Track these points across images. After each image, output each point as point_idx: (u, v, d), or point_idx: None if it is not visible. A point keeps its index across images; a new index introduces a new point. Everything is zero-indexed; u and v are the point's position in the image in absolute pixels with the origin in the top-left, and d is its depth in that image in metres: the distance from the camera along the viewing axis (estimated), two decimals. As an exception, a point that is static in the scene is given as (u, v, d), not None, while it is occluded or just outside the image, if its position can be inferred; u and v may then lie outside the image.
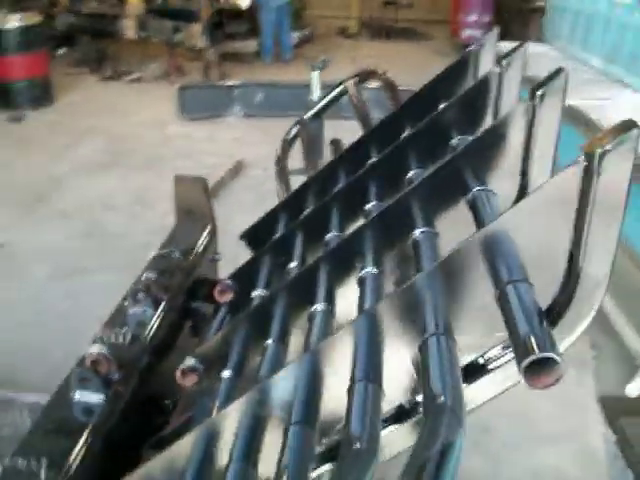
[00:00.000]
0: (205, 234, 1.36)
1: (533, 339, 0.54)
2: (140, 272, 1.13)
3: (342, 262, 0.94)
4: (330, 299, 0.93)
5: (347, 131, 1.61)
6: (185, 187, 1.43)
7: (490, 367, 0.70)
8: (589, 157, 0.59)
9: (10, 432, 0.80)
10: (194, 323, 1.21)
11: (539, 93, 0.80)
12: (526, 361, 0.52)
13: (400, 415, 0.74)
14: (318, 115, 1.82)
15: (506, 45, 1.21)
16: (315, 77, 3.49)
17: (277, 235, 1.22)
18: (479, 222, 0.79)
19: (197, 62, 7.66)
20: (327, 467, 0.75)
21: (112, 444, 0.84)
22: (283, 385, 0.72)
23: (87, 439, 0.79)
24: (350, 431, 0.60)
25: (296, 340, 0.94)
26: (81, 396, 0.81)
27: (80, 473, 0.75)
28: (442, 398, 0.56)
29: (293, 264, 1.11)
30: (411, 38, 10.37)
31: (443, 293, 0.68)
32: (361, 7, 11.04)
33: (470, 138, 0.96)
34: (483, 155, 0.87)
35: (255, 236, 1.29)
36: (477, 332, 0.68)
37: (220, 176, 4.45)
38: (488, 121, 1.04)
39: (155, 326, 1.03)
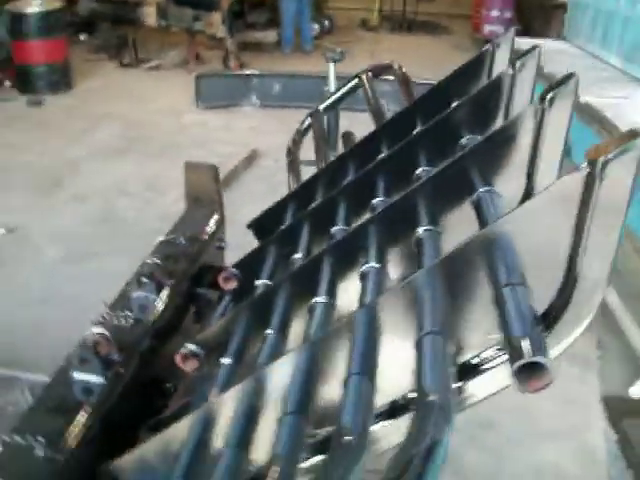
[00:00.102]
0: (213, 221, 1.37)
1: (525, 343, 0.54)
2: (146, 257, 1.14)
3: (345, 256, 0.94)
4: (332, 292, 0.93)
5: (361, 123, 1.61)
6: (195, 174, 1.43)
7: (484, 368, 0.70)
8: (592, 164, 0.59)
9: (12, 411, 0.81)
10: (198, 309, 1.22)
11: (549, 97, 0.80)
12: (516, 364, 0.52)
13: (393, 410, 0.74)
14: (331, 107, 1.81)
15: (525, 41, 1.20)
16: (331, 69, 3.48)
17: (284, 226, 1.22)
18: (482, 223, 0.79)
19: (217, 51, 7.68)
20: (319, 458, 0.76)
21: (110, 424, 0.85)
22: (280, 375, 0.72)
23: (85, 418, 0.80)
24: (341, 424, 0.61)
25: (296, 331, 0.94)
26: (81, 376, 0.82)
27: (76, 451, 0.77)
28: (432, 396, 0.56)
29: (298, 255, 1.12)
30: (432, 32, 10.28)
31: (442, 292, 0.68)
32: (382, 0, 10.97)
33: (479, 138, 0.95)
34: (491, 156, 0.86)
35: (262, 225, 1.29)
36: (474, 332, 0.68)
37: (234, 165, 4.46)
38: (499, 122, 1.04)
39: (158, 310, 1.04)
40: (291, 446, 0.65)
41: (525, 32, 7.38)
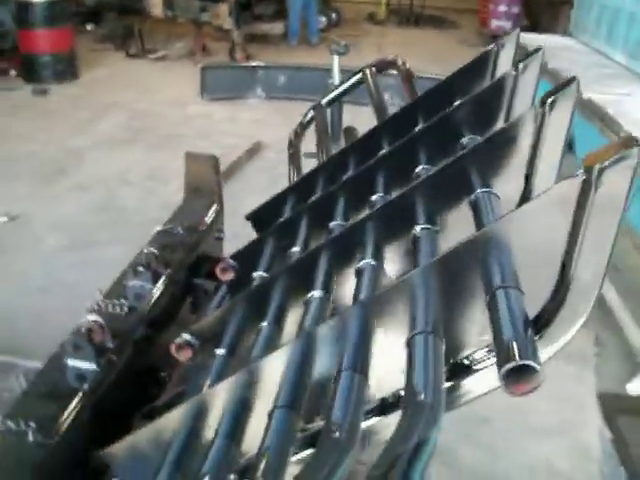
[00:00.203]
0: (211, 212, 1.37)
1: (515, 346, 0.54)
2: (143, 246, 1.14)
3: (342, 251, 0.94)
4: (327, 287, 0.93)
5: (366, 117, 1.60)
6: (196, 164, 1.43)
7: (475, 368, 0.70)
8: (588, 171, 0.59)
9: (8, 397, 0.82)
10: (194, 299, 1.22)
11: (549, 101, 0.80)
12: (505, 367, 0.52)
13: (384, 407, 0.74)
14: (334, 101, 1.80)
15: (531, 37, 1.19)
16: (336, 61, 3.46)
17: (282, 218, 1.22)
18: (479, 224, 0.79)
19: (223, 42, 7.65)
20: (309, 452, 0.76)
21: (103, 411, 0.85)
22: (272, 368, 0.72)
23: (77, 405, 0.81)
24: (331, 419, 0.61)
25: (291, 324, 0.94)
26: (74, 363, 0.82)
27: (67, 436, 0.77)
28: (422, 395, 0.56)
29: (295, 249, 1.11)
30: (439, 26, 10.24)
31: (436, 291, 0.68)
32: (390, -7, 10.92)
33: (479, 139, 0.95)
34: (490, 157, 0.86)
35: (261, 218, 1.29)
36: (466, 333, 0.68)
37: (237, 156, 4.46)
38: (500, 123, 1.04)
39: (153, 299, 1.04)
40: (281, 439, 0.65)
41: (533, 28, 7.33)
